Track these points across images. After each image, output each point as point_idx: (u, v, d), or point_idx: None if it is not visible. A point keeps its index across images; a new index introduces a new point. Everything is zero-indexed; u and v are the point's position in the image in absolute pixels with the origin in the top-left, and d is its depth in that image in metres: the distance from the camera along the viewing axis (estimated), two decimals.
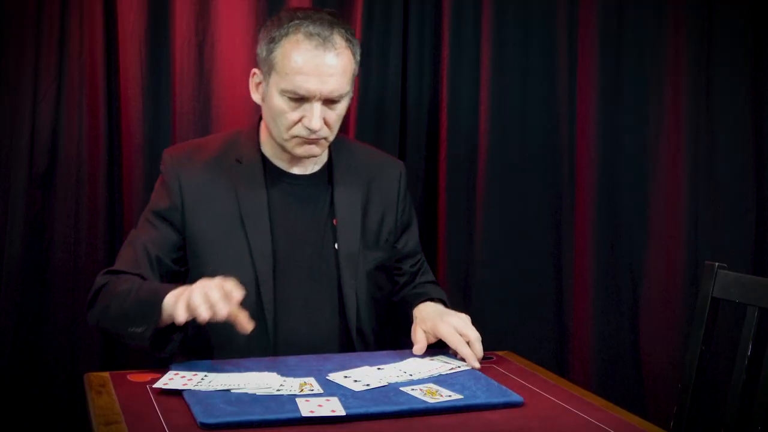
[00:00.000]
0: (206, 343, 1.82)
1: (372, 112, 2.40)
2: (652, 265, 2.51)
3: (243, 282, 1.77)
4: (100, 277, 1.81)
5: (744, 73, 2.52)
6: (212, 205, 1.85)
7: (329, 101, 1.79)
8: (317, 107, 1.77)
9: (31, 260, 2.24)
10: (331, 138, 1.84)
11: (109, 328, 1.76)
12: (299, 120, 1.78)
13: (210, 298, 1.51)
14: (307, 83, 1.75)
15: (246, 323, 1.59)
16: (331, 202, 1.89)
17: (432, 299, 1.89)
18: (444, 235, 2.43)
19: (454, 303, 2.43)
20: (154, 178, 2.21)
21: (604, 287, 2.49)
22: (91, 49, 2.25)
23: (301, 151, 1.82)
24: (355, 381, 1.54)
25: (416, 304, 1.86)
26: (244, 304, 1.78)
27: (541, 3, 2.48)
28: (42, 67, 2.22)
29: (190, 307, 1.53)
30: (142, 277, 1.79)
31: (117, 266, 1.82)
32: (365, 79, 2.38)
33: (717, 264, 1.86)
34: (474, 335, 1.70)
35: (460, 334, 1.70)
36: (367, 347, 1.87)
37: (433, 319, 1.76)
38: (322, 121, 1.78)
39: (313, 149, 1.82)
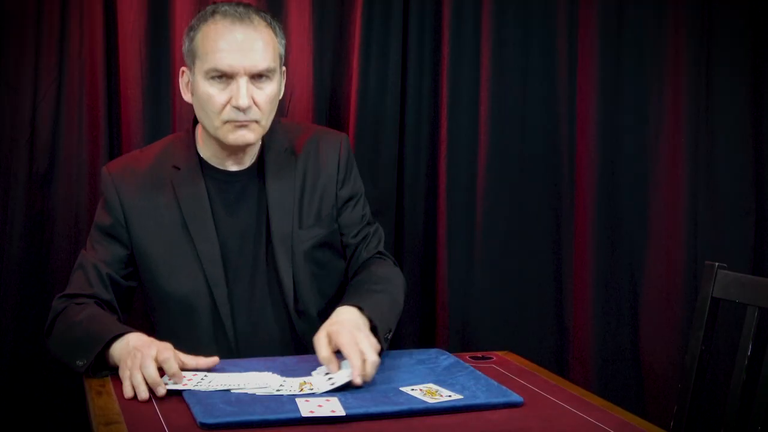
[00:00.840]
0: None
1: (372, 112, 2.40)
2: (652, 265, 2.51)
3: (196, 289, 1.80)
4: (56, 301, 1.80)
5: (744, 73, 2.51)
6: (155, 215, 1.84)
7: (256, 78, 1.77)
8: (243, 83, 1.75)
9: (31, 260, 2.24)
10: (264, 123, 1.82)
11: (62, 360, 1.70)
12: (227, 102, 1.76)
13: (148, 377, 1.50)
14: (228, 58, 1.74)
15: (208, 361, 1.60)
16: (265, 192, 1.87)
17: (359, 308, 1.72)
18: (444, 235, 2.43)
19: (455, 302, 2.45)
20: None
21: (604, 287, 2.49)
22: (91, 49, 2.25)
23: (233, 137, 1.79)
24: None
25: (343, 303, 1.74)
26: (200, 309, 1.80)
27: (541, 3, 2.48)
28: (42, 67, 2.22)
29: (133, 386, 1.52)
30: (97, 298, 1.78)
31: (70, 290, 1.81)
32: (365, 79, 2.37)
33: (717, 264, 1.86)
34: (372, 359, 1.54)
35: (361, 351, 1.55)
36: (312, 327, 1.76)
37: (344, 328, 1.62)
38: (250, 99, 1.76)
39: (246, 135, 1.79)
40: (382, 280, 1.87)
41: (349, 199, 1.97)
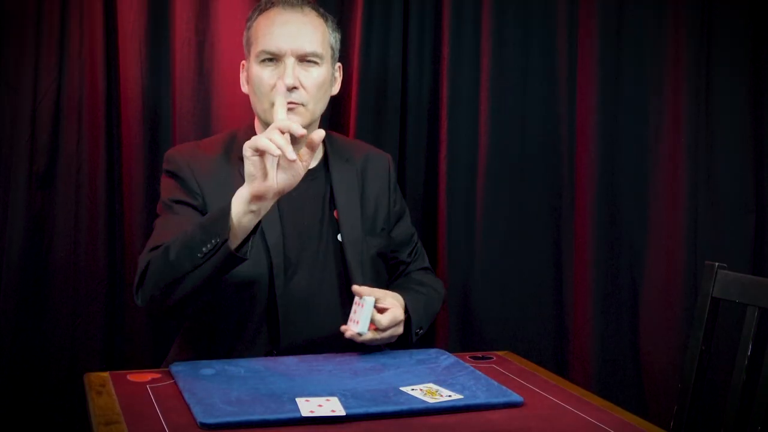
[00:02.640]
0: (211, 338, 1.83)
1: (372, 112, 2.40)
2: (652, 265, 2.51)
3: (258, 276, 1.79)
4: (143, 255, 1.74)
5: (744, 73, 2.52)
6: (226, 194, 1.80)
7: (303, 62, 1.82)
8: (290, 63, 1.81)
9: (31, 260, 2.24)
10: (312, 108, 1.83)
11: (168, 281, 1.64)
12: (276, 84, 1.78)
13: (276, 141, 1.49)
14: (276, 40, 1.81)
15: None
16: (332, 195, 1.90)
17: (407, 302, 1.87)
18: (444, 235, 2.43)
19: (455, 302, 2.45)
20: (154, 178, 2.22)
21: (604, 287, 2.49)
22: (91, 49, 2.25)
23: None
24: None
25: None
26: (258, 298, 1.80)
27: (541, 3, 2.48)
28: (42, 67, 2.22)
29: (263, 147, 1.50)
30: None
31: (158, 242, 1.72)
32: (365, 79, 2.37)
33: (717, 264, 1.86)
34: (384, 335, 1.76)
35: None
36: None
37: (393, 301, 1.80)
38: (296, 79, 1.80)
39: (292, 118, 1.77)
40: (425, 284, 1.99)
41: (401, 216, 2.05)
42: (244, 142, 1.85)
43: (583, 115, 2.48)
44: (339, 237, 1.88)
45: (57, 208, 2.26)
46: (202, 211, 1.82)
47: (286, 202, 1.84)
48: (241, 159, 1.84)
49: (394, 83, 2.41)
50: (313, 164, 1.91)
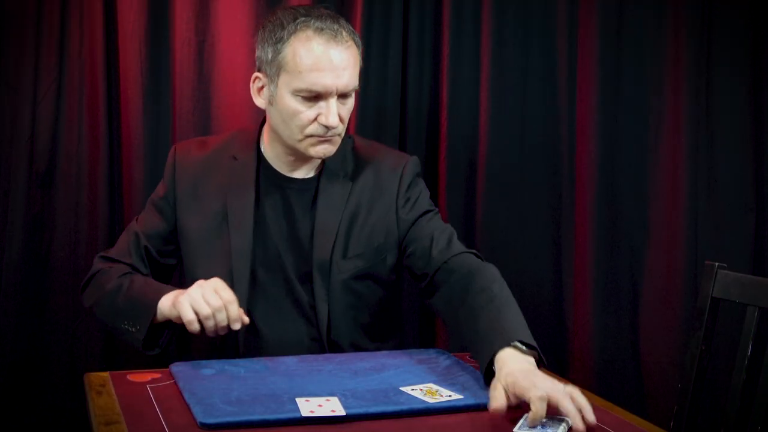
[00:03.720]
0: (185, 342, 1.87)
1: (372, 112, 2.40)
2: (652, 265, 2.51)
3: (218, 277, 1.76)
4: (96, 260, 1.90)
5: (744, 73, 2.52)
6: (202, 199, 1.86)
7: (342, 96, 1.77)
8: (334, 104, 1.74)
9: (31, 260, 2.24)
10: (342, 133, 1.82)
11: (102, 319, 1.83)
12: (315, 119, 1.75)
13: (212, 305, 1.61)
14: (323, 79, 1.72)
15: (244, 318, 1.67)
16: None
17: (516, 346, 1.52)
18: None
19: None
20: (154, 178, 2.22)
21: (604, 287, 2.49)
22: (91, 49, 2.25)
23: (316, 150, 1.78)
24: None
25: (497, 345, 1.51)
26: None
27: (541, 3, 2.48)
28: (42, 67, 2.22)
29: (196, 311, 1.62)
30: (133, 267, 1.85)
31: (112, 252, 1.90)
32: (365, 79, 2.37)
33: (717, 264, 1.86)
34: (580, 400, 1.36)
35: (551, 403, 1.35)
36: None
37: (517, 378, 1.41)
38: (338, 117, 1.76)
39: (329, 149, 1.79)
40: (485, 290, 1.70)
41: (417, 218, 1.87)
42: (243, 144, 1.90)
43: (583, 115, 2.48)
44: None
45: (57, 208, 2.26)
46: (168, 220, 1.88)
47: (270, 208, 1.84)
48: (233, 157, 1.87)
49: (394, 83, 2.41)
50: (309, 175, 1.87)
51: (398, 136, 2.43)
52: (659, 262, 2.50)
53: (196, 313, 1.62)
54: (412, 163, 1.92)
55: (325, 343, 1.82)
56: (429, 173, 2.47)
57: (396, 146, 2.42)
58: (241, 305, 1.68)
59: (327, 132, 1.76)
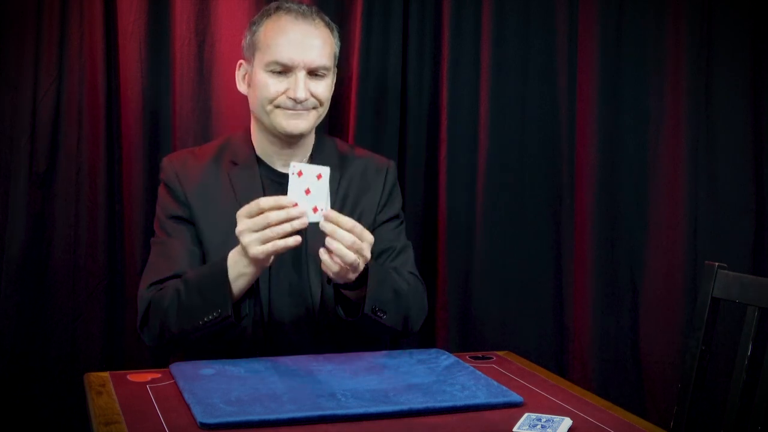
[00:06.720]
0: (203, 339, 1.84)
1: (372, 112, 2.40)
2: (652, 265, 2.51)
3: None
4: (144, 292, 1.81)
5: (744, 73, 2.52)
6: (214, 206, 1.87)
7: (312, 75, 1.84)
8: (302, 77, 1.82)
9: (31, 260, 2.24)
10: (321, 111, 1.88)
11: (176, 334, 1.75)
12: (284, 92, 1.83)
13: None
14: (289, 51, 1.81)
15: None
16: None
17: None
18: (444, 235, 2.43)
19: (454, 302, 2.45)
20: (154, 178, 2.22)
21: (604, 287, 2.49)
22: (91, 49, 2.25)
23: (287, 124, 1.84)
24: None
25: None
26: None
27: (541, 3, 2.48)
28: (42, 67, 2.22)
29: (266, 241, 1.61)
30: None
31: (157, 276, 1.82)
32: (365, 79, 2.37)
33: (717, 264, 1.86)
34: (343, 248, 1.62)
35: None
36: (334, 337, 1.85)
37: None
38: (307, 92, 1.82)
39: (300, 124, 1.85)
40: (403, 279, 1.86)
41: (383, 222, 1.96)
42: (239, 148, 1.91)
43: (583, 115, 2.48)
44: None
45: (57, 208, 2.26)
46: (192, 222, 1.87)
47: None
48: (232, 162, 1.88)
49: (394, 83, 2.41)
50: None
51: (398, 136, 2.43)
52: (659, 262, 2.50)
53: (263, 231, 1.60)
54: (394, 167, 2.03)
55: (318, 326, 1.86)
56: (429, 173, 2.47)
57: (396, 146, 2.42)
58: (263, 300, 1.81)
59: (296, 105, 1.82)
